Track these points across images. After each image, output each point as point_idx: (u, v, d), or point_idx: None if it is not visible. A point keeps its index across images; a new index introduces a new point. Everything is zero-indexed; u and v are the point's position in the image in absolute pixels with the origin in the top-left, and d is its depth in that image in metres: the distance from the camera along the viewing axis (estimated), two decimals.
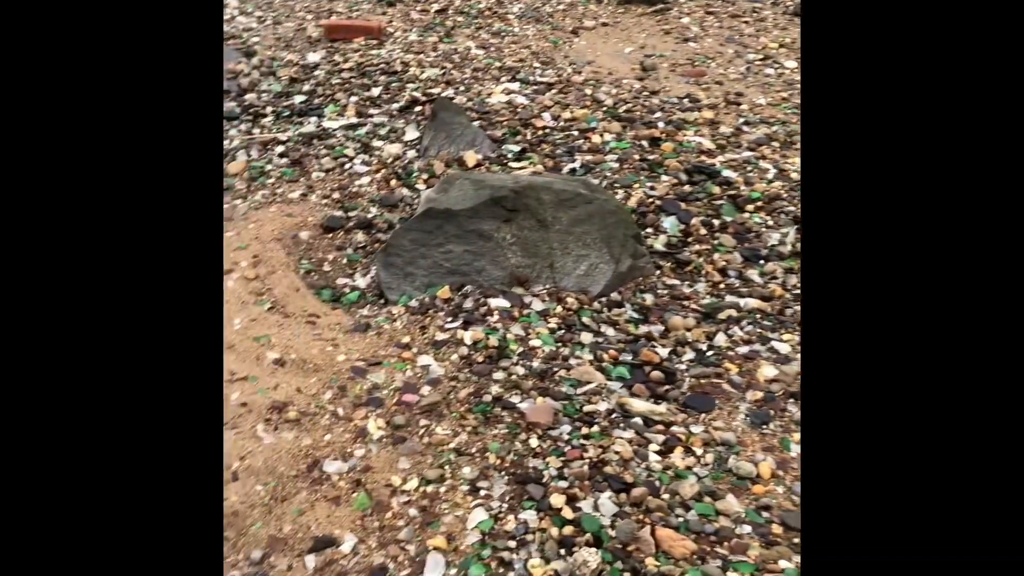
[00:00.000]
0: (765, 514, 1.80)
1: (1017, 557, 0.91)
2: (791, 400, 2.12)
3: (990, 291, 0.97)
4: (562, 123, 3.44)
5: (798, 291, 2.53)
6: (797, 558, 1.71)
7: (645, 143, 3.26)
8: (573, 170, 3.09)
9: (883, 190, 1.03)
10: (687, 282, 2.60)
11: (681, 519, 1.77)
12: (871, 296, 1.01)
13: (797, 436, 2.01)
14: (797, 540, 1.75)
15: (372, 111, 3.59)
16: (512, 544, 1.70)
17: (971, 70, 1.02)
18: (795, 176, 3.08)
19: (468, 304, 2.40)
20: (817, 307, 1.03)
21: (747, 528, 1.77)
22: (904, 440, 0.97)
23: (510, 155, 3.20)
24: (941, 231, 1.00)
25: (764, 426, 2.04)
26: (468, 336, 2.26)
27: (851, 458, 0.98)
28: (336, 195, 3.02)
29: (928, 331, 0.99)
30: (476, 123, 3.37)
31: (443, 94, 3.68)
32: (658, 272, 2.64)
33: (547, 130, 3.38)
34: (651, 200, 2.89)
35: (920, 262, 1.00)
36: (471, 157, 3.12)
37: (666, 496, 1.82)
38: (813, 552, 0.98)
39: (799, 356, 2.26)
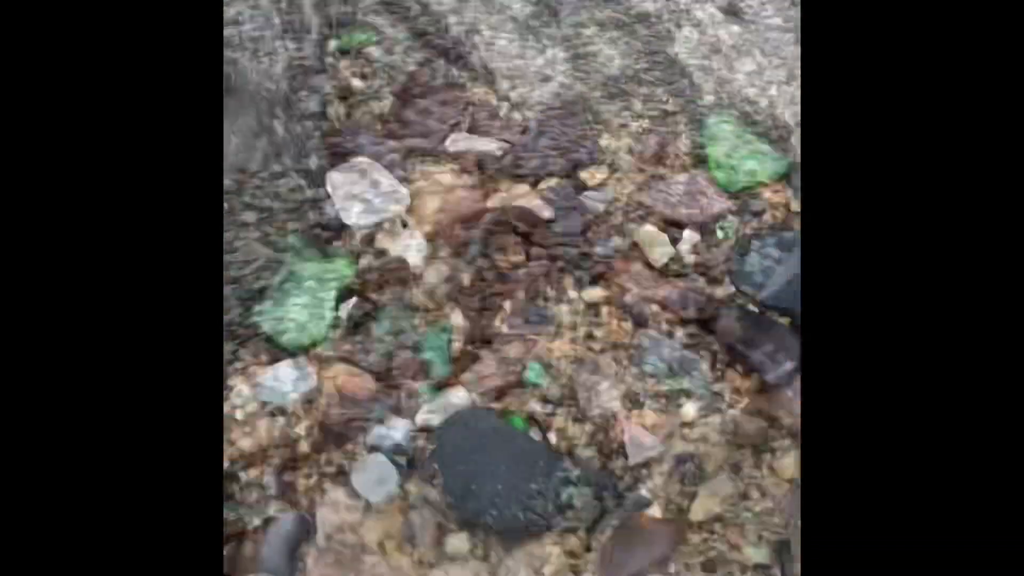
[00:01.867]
0: None
1: (1015, 546, 0.89)
2: None
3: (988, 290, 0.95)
4: None
5: None
6: None
7: None
8: None
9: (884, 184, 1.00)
10: None
11: None
12: (871, 289, 0.98)
13: None
14: None
15: None
16: None
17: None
18: None
19: None
20: (818, 301, 1.00)
21: None
22: (905, 434, 0.94)
23: None
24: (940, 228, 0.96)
25: None
26: None
27: (852, 447, 0.95)
28: None
29: (930, 328, 0.96)
30: None
31: None
32: None
33: None
34: None
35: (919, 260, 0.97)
36: None
37: None
38: (813, 542, 0.95)
39: None
